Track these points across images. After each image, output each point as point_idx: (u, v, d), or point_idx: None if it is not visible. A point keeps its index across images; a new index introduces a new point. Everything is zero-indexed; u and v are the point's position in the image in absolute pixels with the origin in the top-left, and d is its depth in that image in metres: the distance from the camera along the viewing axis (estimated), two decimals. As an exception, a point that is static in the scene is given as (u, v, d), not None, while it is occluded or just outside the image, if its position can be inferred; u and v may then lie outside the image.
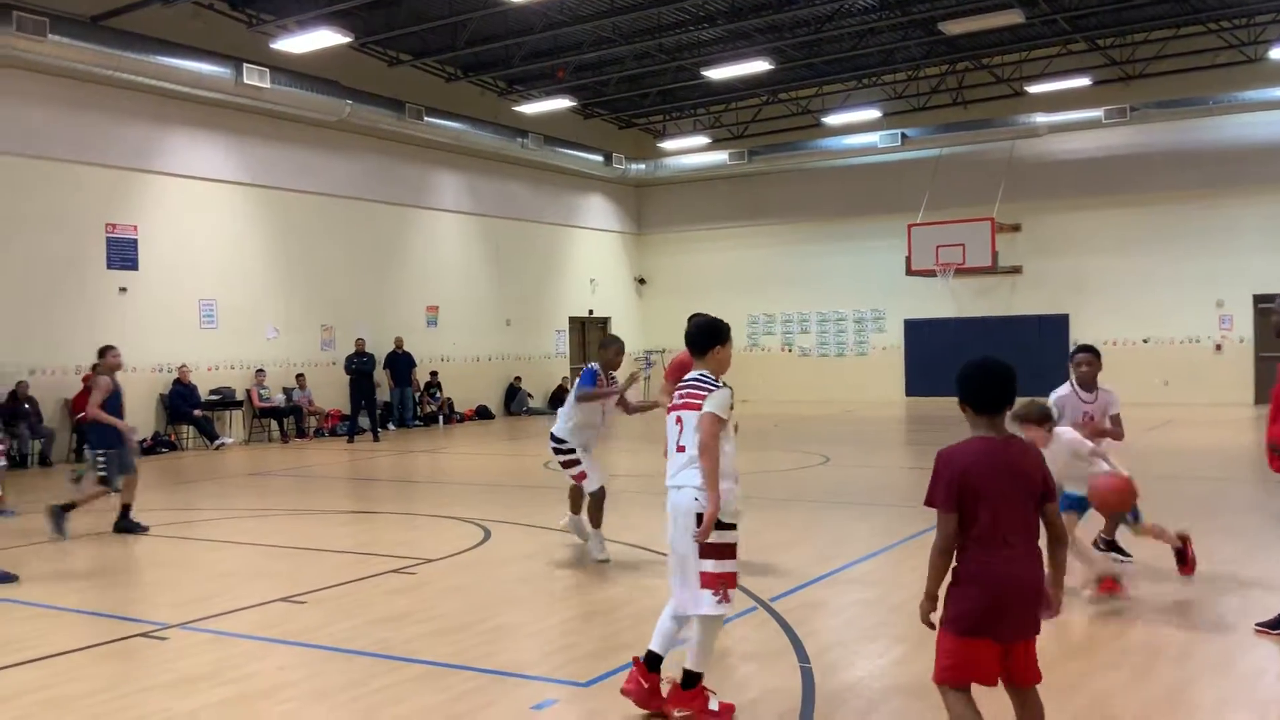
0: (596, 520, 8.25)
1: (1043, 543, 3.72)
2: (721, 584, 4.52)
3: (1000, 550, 3.58)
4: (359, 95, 20.34)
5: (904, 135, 25.68)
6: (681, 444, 4.66)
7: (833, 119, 25.96)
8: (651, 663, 4.73)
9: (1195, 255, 23.82)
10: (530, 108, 24.18)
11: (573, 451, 8.24)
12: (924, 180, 25.85)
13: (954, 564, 3.68)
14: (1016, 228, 25.31)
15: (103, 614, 7.11)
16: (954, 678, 3.65)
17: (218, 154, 19.79)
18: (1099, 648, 5.75)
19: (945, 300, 26.39)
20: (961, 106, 25.69)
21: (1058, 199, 25.16)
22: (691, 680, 4.65)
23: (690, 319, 5.22)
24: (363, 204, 22.50)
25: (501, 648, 6.05)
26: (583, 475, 8.23)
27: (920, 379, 26.80)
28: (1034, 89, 23.92)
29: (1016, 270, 25.50)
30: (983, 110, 25.43)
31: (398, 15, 19.68)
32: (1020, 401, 5.07)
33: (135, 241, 18.34)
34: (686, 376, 4.85)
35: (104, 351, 10.39)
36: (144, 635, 6.34)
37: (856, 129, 26.32)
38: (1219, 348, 23.90)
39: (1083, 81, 23.30)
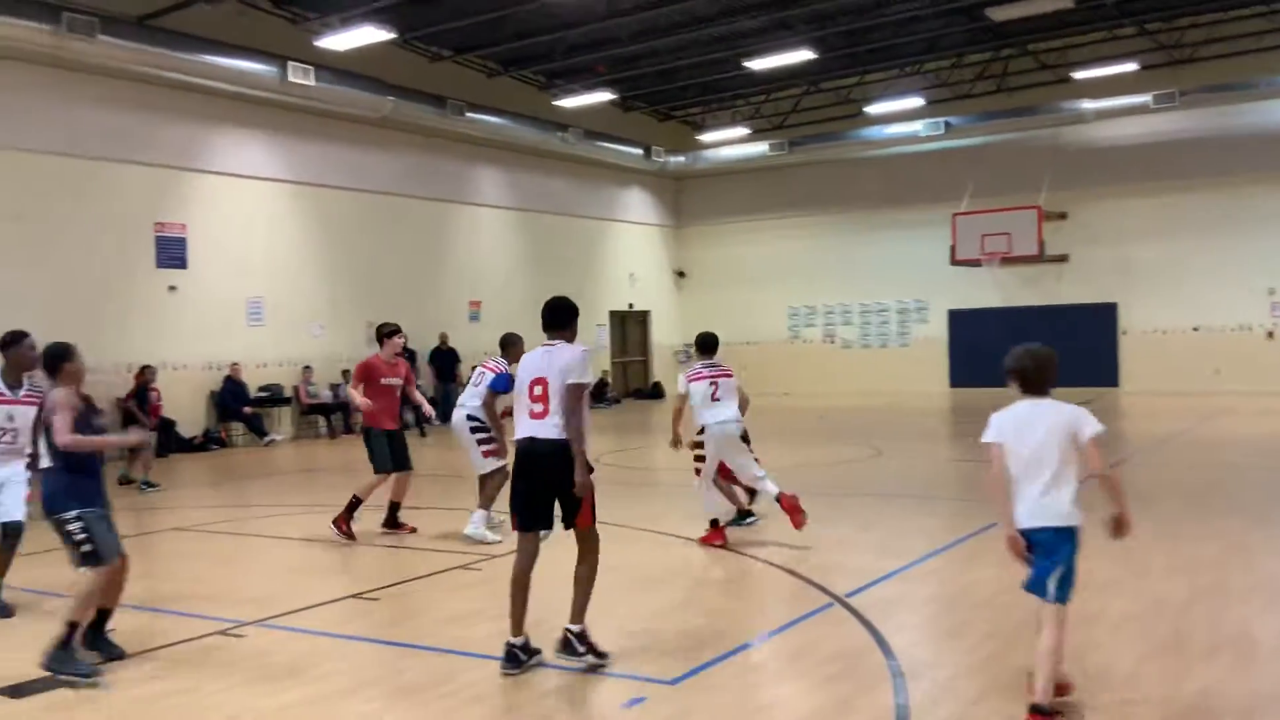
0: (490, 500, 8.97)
1: None
2: None
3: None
4: (401, 92, 20.38)
5: (947, 123, 25.39)
6: (719, 396, 8.32)
7: (875, 108, 25.69)
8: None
9: (1244, 241, 23.36)
10: (570, 102, 24.13)
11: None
12: (968, 169, 25.54)
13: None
14: (1063, 216, 24.95)
15: (174, 611, 7.06)
16: None
17: (263, 152, 19.90)
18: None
19: (990, 290, 26.08)
20: (1006, 94, 25.33)
21: (1105, 186, 24.77)
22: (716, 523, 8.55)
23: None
24: (405, 200, 22.54)
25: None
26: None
27: (965, 369, 26.52)
28: (1080, 75, 23.53)
29: (1063, 259, 25.15)
30: (1028, 97, 25.06)
31: (440, 11, 19.66)
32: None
33: (184, 240, 18.47)
34: (709, 361, 8.51)
35: (60, 357, 6.46)
36: (221, 634, 6.35)
37: (899, 118, 26.00)
38: (1270, 335, 23.48)
39: (1130, 67, 22.87)
